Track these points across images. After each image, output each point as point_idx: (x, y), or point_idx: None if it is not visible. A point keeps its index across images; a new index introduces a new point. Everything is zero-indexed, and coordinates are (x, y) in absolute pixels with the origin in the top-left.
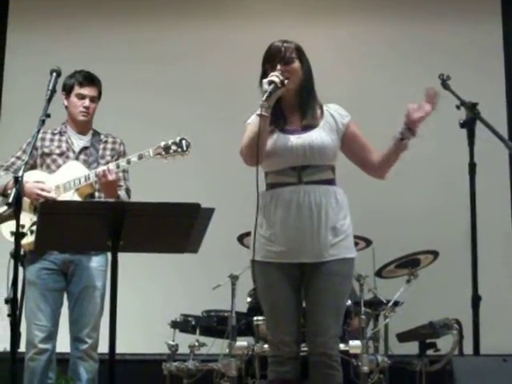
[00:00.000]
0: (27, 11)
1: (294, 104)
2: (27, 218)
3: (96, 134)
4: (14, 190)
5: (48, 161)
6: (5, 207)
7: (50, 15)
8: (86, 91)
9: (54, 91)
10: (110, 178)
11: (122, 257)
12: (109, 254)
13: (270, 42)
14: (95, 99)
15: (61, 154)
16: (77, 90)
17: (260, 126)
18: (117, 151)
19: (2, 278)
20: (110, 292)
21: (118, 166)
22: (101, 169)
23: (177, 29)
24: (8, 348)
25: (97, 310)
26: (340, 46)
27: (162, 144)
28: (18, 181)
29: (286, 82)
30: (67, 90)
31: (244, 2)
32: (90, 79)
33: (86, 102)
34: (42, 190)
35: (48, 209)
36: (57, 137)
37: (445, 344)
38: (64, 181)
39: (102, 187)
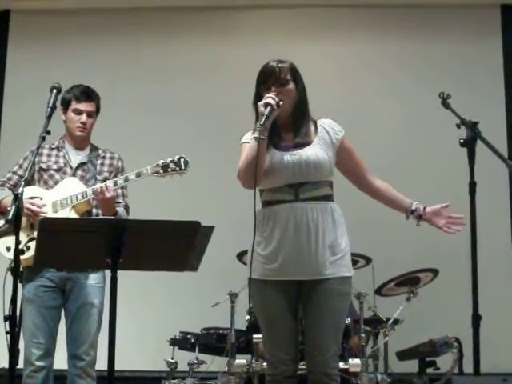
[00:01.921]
0: (28, 28)
1: (287, 122)
2: (23, 235)
3: (94, 149)
4: (13, 206)
5: (45, 176)
6: (1, 223)
7: (50, 33)
8: (83, 106)
9: (54, 108)
10: (108, 195)
11: (121, 274)
12: (106, 271)
13: (267, 60)
14: (93, 114)
15: (58, 170)
16: (74, 105)
17: (258, 149)
18: (115, 167)
19: None
20: (109, 309)
21: (115, 184)
22: (98, 186)
23: (175, 48)
24: (6, 365)
25: (94, 328)
26: (339, 63)
27: (161, 162)
28: (17, 197)
29: (281, 103)
30: (65, 105)
31: (241, 20)
32: (87, 94)
33: (83, 118)
34: (33, 204)
35: (47, 226)
36: (54, 152)
37: (444, 362)
38: (61, 197)
39: (99, 204)
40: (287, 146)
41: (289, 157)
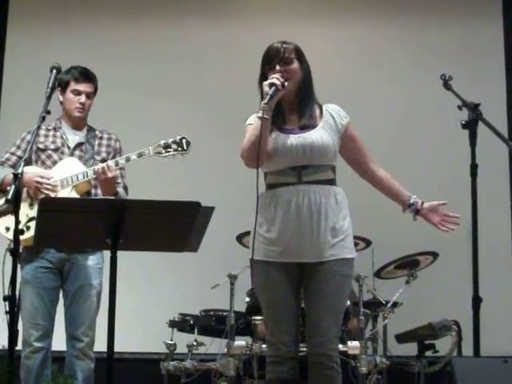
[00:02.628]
0: (27, 11)
1: (292, 104)
2: (23, 214)
3: (91, 129)
4: (13, 186)
5: (43, 156)
6: (0, 202)
7: (49, 15)
8: (82, 87)
9: (54, 88)
10: (110, 174)
11: (121, 255)
12: (105, 252)
13: (269, 43)
14: (91, 95)
15: (56, 150)
16: (73, 85)
17: (261, 128)
18: (112, 147)
19: None
20: (108, 291)
21: (116, 164)
22: (100, 165)
23: (176, 29)
24: (6, 346)
25: (93, 309)
26: (340, 47)
27: (162, 143)
28: (17, 177)
29: (286, 83)
30: (63, 86)
31: (244, 2)
32: (85, 75)
33: (82, 98)
34: (42, 177)
35: (48, 206)
36: (51, 132)
37: (444, 345)
38: (61, 177)
39: (100, 184)
40: (291, 129)
41: (293, 139)
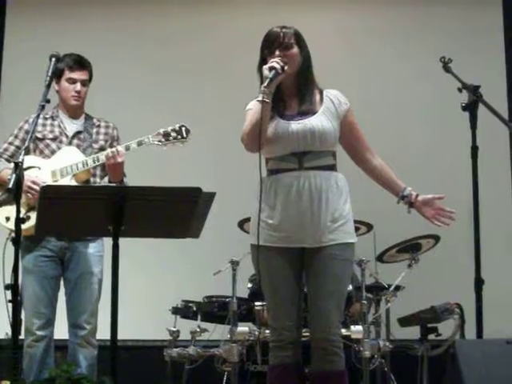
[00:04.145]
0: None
1: (292, 89)
2: (23, 204)
3: (89, 118)
4: (13, 175)
5: (41, 146)
6: None
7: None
8: (77, 75)
9: (53, 76)
10: (120, 159)
11: (123, 243)
12: (105, 240)
13: (270, 27)
14: (86, 82)
15: (54, 139)
16: (67, 74)
17: (261, 112)
18: (110, 135)
19: None
20: (111, 278)
21: (127, 148)
22: (109, 150)
23: (178, 13)
24: (5, 334)
25: (94, 296)
26: (340, 28)
27: (162, 131)
28: (18, 166)
29: (285, 67)
30: (57, 75)
31: None
32: (80, 63)
33: (78, 87)
34: (34, 183)
35: (49, 193)
36: (49, 121)
37: (446, 329)
38: (60, 166)
39: (108, 169)
40: (292, 115)
41: (293, 125)
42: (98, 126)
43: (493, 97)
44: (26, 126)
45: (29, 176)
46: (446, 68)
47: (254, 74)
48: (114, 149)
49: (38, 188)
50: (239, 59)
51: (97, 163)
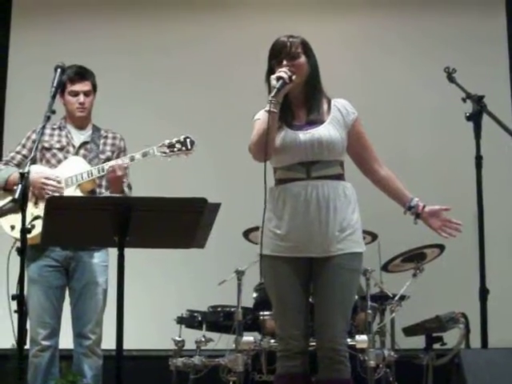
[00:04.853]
0: (30, 4)
1: (300, 99)
2: (28, 213)
3: (96, 129)
4: (20, 185)
5: (48, 155)
6: (5, 200)
7: (52, 8)
8: (79, 87)
9: (58, 87)
10: (119, 173)
11: (128, 253)
12: (110, 250)
13: (277, 36)
14: (90, 93)
15: (61, 149)
16: (69, 87)
17: (269, 122)
18: (117, 146)
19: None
20: (116, 288)
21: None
22: (112, 163)
23: (180, 22)
24: (15, 344)
25: (99, 306)
26: (347, 39)
27: (167, 142)
28: (23, 176)
29: (293, 77)
30: (61, 88)
31: None
32: (80, 74)
33: (81, 98)
34: (48, 178)
35: (55, 204)
36: (56, 131)
37: (451, 338)
38: (66, 176)
39: (110, 181)
40: (300, 125)
41: (301, 135)
42: (106, 137)
43: (497, 107)
44: (34, 136)
45: (40, 174)
46: (451, 78)
47: (259, 83)
48: (114, 162)
49: (54, 183)
50: (244, 68)
51: (102, 173)
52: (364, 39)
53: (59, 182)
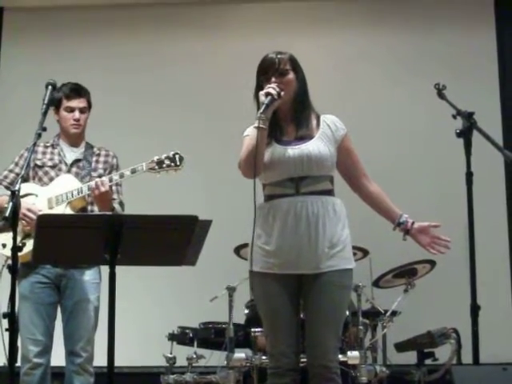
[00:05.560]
0: (21, 23)
1: (289, 115)
2: (19, 231)
3: (89, 146)
4: (10, 203)
5: (40, 173)
6: None
7: (44, 26)
8: (75, 104)
9: (49, 104)
10: (103, 189)
11: (119, 270)
12: (102, 267)
13: (266, 53)
14: (85, 110)
15: (53, 167)
16: (65, 103)
17: (258, 138)
18: (109, 164)
19: None
20: (108, 305)
21: (110, 180)
22: (93, 182)
23: (173, 40)
24: (6, 363)
25: (91, 324)
26: (335, 55)
27: (156, 158)
28: (14, 194)
29: (282, 93)
30: (56, 105)
31: (240, 12)
32: (76, 91)
33: (76, 115)
34: (29, 210)
35: (46, 222)
36: (49, 149)
37: (443, 353)
38: (56, 194)
39: (95, 200)
40: (289, 141)
41: (290, 151)
42: (98, 155)
43: (487, 123)
44: (26, 154)
45: (25, 203)
46: (441, 94)
47: (248, 101)
48: (97, 179)
49: (33, 216)
50: (233, 85)
51: (80, 195)
52: (353, 55)
53: (39, 211)
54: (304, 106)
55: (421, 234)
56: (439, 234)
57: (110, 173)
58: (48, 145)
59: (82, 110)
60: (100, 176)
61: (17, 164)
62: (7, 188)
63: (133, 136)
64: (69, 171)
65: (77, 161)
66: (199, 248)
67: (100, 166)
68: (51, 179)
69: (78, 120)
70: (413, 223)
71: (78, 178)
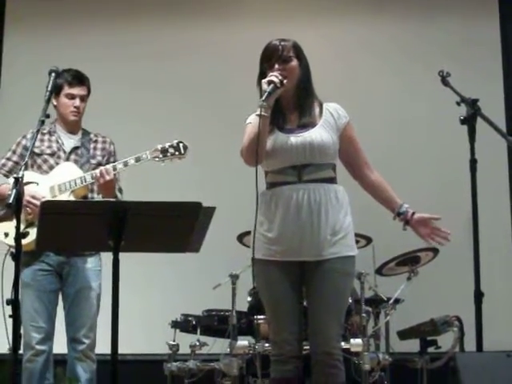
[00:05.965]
0: (24, 11)
1: (292, 102)
2: (22, 219)
3: (86, 133)
4: (14, 190)
5: (39, 161)
6: None
7: (46, 14)
8: (76, 91)
9: (52, 91)
10: (108, 177)
11: (122, 257)
12: (103, 255)
13: (268, 41)
14: (85, 98)
15: (52, 154)
16: (66, 89)
17: (260, 126)
18: (107, 151)
19: None
20: (111, 292)
21: (114, 169)
22: (98, 170)
23: (175, 29)
24: (6, 350)
25: (93, 311)
26: (338, 44)
27: (159, 147)
28: (18, 181)
29: (284, 81)
30: (56, 90)
31: (240, 2)
32: (79, 78)
33: (77, 102)
34: (34, 197)
35: (49, 209)
36: (46, 137)
37: (446, 341)
38: (59, 182)
39: (99, 188)
40: (291, 129)
41: (293, 138)
42: (96, 142)
43: (491, 110)
44: (24, 142)
45: (28, 190)
46: (445, 82)
47: (251, 89)
48: (101, 168)
49: (37, 202)
50: (236, 74)
51: (84, 183)
52: (356, 44)
53: (43, 198)
54: (307, 93)
55: (420, 225)
56: (440, 225)
57: (108, 160)
58: (45, 132)
59: (82, 98)
60: (99, 163)
61: (14, 152)
62: (6, 176)
63: (134, 124)
64: (67, 159)
65: (75, 148)
66: (203, 235)
67: (98, 152)
68: (51, 167)
69: (78, 108)
70: (413, 214)
71: (77, 165)
